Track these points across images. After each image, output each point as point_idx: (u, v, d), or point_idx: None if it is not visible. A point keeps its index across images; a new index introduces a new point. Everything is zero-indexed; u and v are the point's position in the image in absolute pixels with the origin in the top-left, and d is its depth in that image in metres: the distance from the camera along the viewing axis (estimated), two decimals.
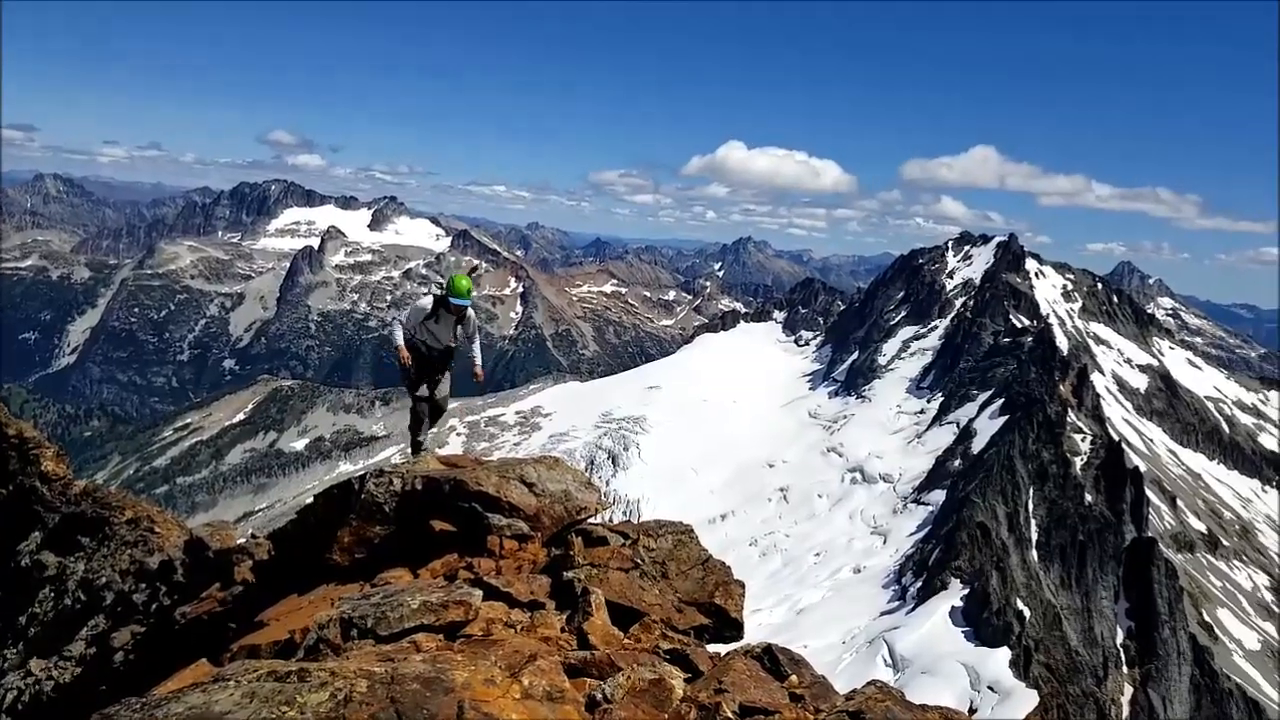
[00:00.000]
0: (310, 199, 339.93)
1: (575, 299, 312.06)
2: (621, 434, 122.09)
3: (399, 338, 8.52)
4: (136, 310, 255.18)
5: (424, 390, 8.93)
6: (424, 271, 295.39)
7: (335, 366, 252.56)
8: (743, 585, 5.22)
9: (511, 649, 3.56)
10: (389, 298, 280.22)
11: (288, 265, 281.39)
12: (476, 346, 8.92)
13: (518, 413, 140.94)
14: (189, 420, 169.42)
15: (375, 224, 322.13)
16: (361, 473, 6.89)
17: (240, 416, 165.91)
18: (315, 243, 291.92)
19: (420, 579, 4.62)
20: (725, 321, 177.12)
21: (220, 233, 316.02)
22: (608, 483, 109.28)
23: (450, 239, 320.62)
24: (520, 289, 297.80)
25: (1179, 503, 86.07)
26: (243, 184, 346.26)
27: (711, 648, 4.71)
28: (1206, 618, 69.75)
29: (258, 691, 2.89)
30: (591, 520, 5.88)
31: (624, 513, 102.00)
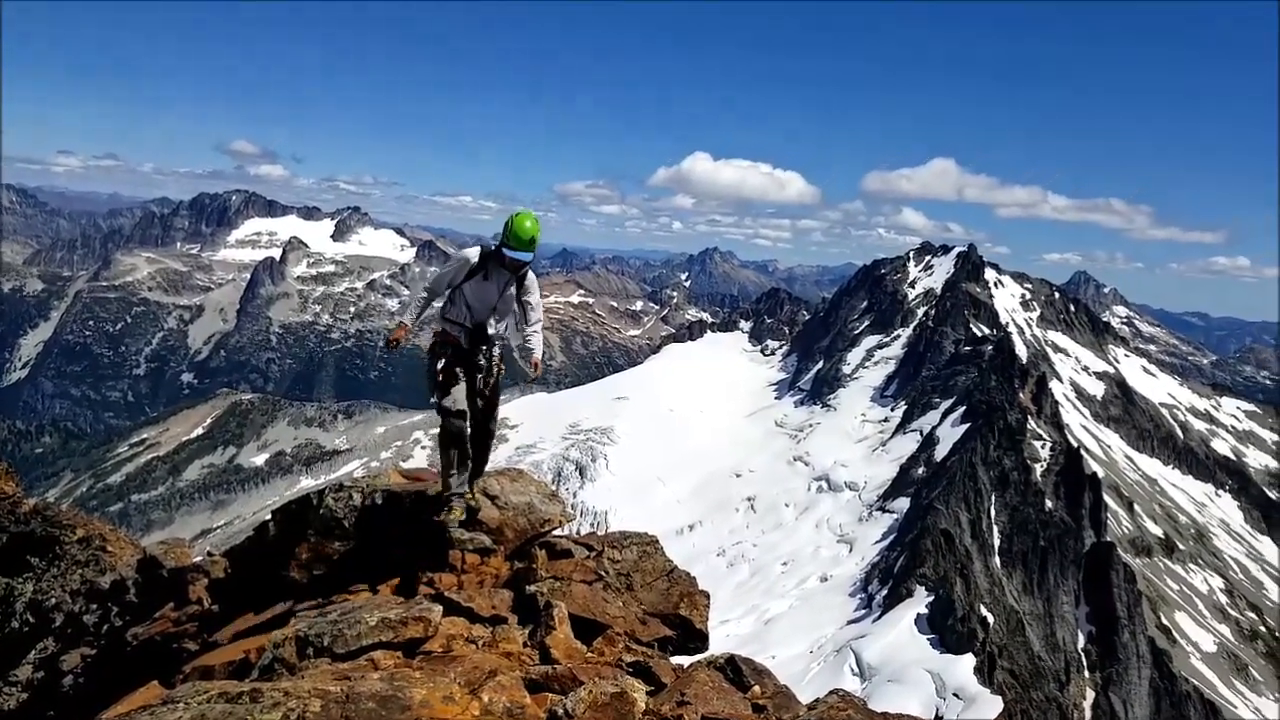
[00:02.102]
0: (272, 209, 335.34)
1: (542, 309, 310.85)
2: (589, 445, 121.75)
3: (408, 315, 6.26)
4: (91, 323, 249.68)
5: (459, 398, 6.09)
6: (388, 282, 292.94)
7: (297, 379, 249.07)
8: (708, 596, 5.20)
9: (471, 665, 3.50)
10: (352, 309, 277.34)
11: (248, 277, 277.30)
12: (537, 325, 6.50)
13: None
14: (145, 436, 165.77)
15: (338, 234, 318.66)
16: (322, 487, 6.77)
17: (198, 431, 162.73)
18: (277, 254, 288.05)
19: (380, 595, 4.53)
20: (692, 331, 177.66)
21: (179, 244, 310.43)
22: (575, 494, 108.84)
23: (415, 249, 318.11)
24: None
25: (1136, 508, 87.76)
26: (202, 194, 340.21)
27: (677, 659, 4.68)
28: (1165, 621, 71.13)
29: (208, 713, 2.81)
30: (556, 533, 5.83)
31: (591, 524, 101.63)
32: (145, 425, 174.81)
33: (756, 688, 3.71)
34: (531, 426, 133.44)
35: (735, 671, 3.85)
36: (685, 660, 4.81)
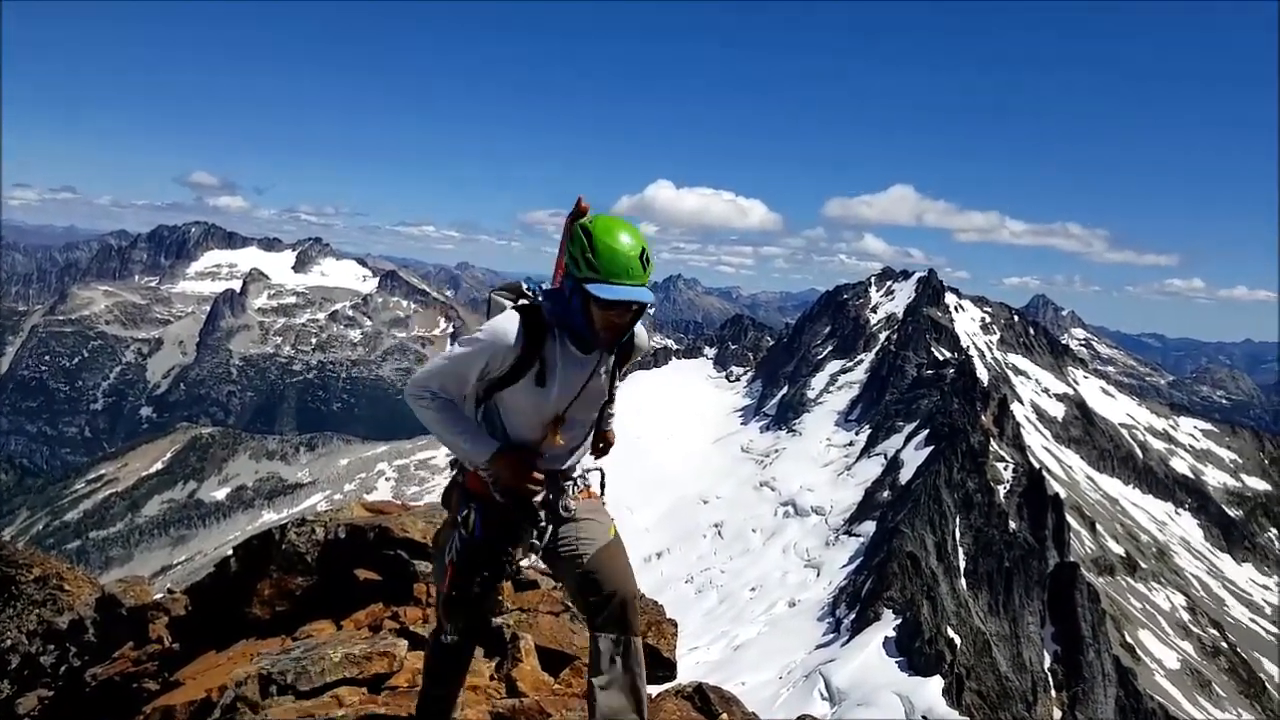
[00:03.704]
0: (232, 241, 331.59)
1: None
2: None
3: (477, 452, 3.19)
4: (47, 358, 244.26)
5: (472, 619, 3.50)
6: (350, 313, 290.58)
7: (258, 412, 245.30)
8: (675, 624, 5.24)
9: None
10: (314, 340, 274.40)
11: (208, 309, 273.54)
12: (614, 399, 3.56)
13: (449, 455, 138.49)
14: (103, 471, 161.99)
15: (300, 265, 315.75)
16: (283, 522, 6.72)
17: (158, 466, 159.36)
18: (237, 285, 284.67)
19: (344, 630, 4.52)
20: (657, 359, 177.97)
21: (137, 276, 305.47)
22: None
23: (378, 279, 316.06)
24: (450, 329, 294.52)
25: (1098, 527, 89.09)
26: (161, 226, 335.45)
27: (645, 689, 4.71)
28: (1129, 639, 72.01)
29: None
30: (522, 564, 5.85)
31: None
32: (103, 461, 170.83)
33: (725, 716, 3.76)
34: None
35: (703, 700, 3.90)
36: (654, 689, 4.84)
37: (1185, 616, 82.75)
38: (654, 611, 5.27)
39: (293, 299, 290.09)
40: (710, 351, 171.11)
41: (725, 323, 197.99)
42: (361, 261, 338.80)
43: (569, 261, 3.00)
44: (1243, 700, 72.64)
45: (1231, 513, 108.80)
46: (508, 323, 3.04)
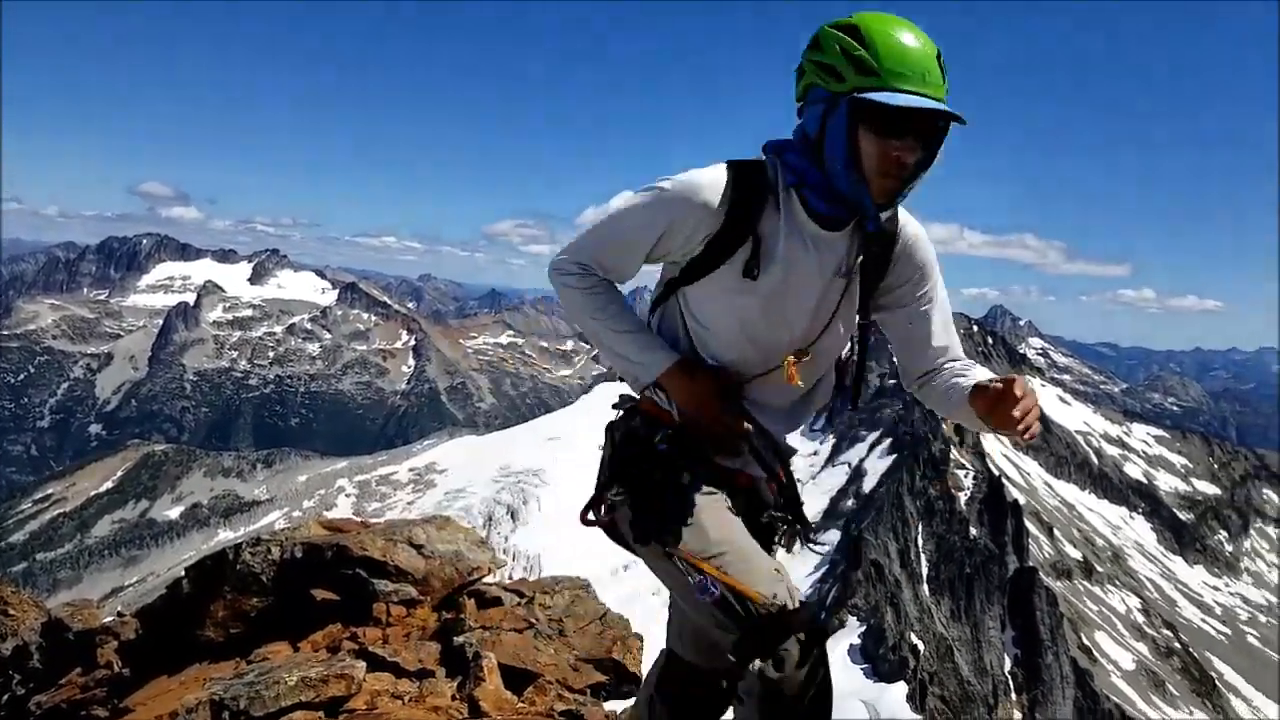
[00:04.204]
0: (185, 253, 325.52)
1: (470, 351, 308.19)
2: (521, 487, 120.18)
3: (647, 364, 2.05)
4: None
5: (756, 561, 2.00)
6: (309, 326, 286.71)
7: (213, 429, 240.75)
8: (641, 639, 5.19)
9: None
10: (271, 354, 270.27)
11: (160, 322, 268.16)
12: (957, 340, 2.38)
13: (411, 470, 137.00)
14: (50, 491, 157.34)
15: (256, 278, 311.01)
16: (239, 540, 6.56)
17: (108, 485, 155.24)
18: (191, 298, 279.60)
19: (301, 652, 4.39)
20: None
21: (86, 290, 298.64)
22: (507, 538, 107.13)
23: (337, 291, 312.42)
24: (413, 342, 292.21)
25: (1056, 532, 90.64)
26: (111, 238, 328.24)
27: (610, 705, 4.65)
28: (1085, 641, 73.24)
29: None
30: (486, 580, 5.76)
31: (524, 568, 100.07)
32: (51, 480, 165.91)
33: None
34: (460, 470, 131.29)
35: None
36: (619, 705, 4.78)
37: (1140, 618, 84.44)
38: (620, 627, 5.22)
39: (249, 312, 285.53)
40: None
41: None
42: (320, 273, 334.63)
43: (816, 76, 1.87)
44: (1195, 699, 74.22)
45: (1183, 516, 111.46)
46: (710, 175, 1.95)
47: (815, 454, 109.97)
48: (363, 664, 3.88)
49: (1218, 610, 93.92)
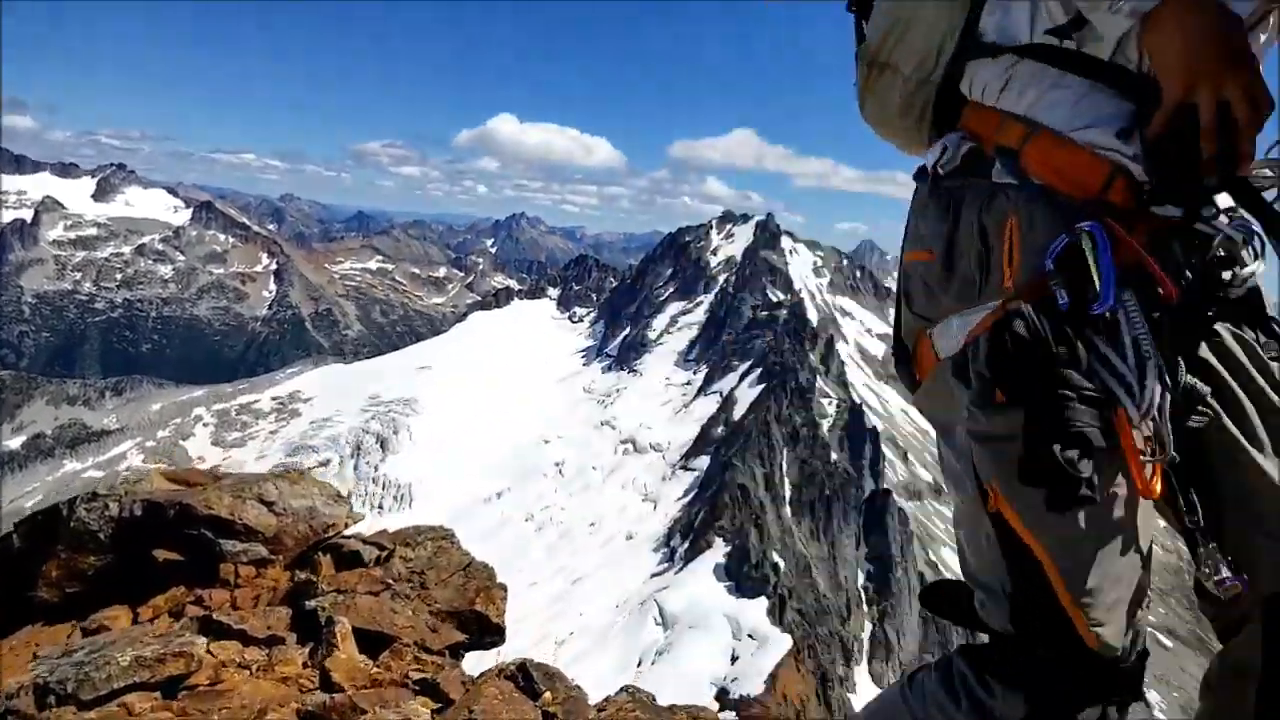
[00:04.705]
0: (20, 165, 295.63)
1: (337, 276, 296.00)
2: (391, 417, 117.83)
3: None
4: None
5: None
6: (160, 247, 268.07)
7: (55, 354, 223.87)
8: (505, 589, 5.16)
9: (239, 702, 3.28)
10: (119, 276, 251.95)
11: None
12: None
13: (274, 399, 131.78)
14: None
15: (100, 194, 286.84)
16: (71, 496, 6.11)
17: None
18: (28, 215, 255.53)
19: (138, 626, 4.15)
20: (499, 299, 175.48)
21: None
22: (376, 467, 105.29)
23: (191, 211, 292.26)
24: (274, 266, 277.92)
25: (910, 457, 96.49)
26: None
27: (474, 655, 4.63)
28: (933, 557, 78.93)
29: None
30: (345, 533, 5.59)
31: (395, 497, 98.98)
32: None
33: (548, 694, 3.74)
34: (327, 399, 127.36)
35: (526, 678, 3.86)
36: (484, 655, 4.77)
37: None
38: (484, 576, 5.18)
39: (93, 230, 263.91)
40: (554, 292, 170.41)
41: (569, 263, 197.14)
42: (172, 191, 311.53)
43: None
44: None
45: None
46: None
47: (688, 384, 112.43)
48: (203, 640, 3.70)
49: None
